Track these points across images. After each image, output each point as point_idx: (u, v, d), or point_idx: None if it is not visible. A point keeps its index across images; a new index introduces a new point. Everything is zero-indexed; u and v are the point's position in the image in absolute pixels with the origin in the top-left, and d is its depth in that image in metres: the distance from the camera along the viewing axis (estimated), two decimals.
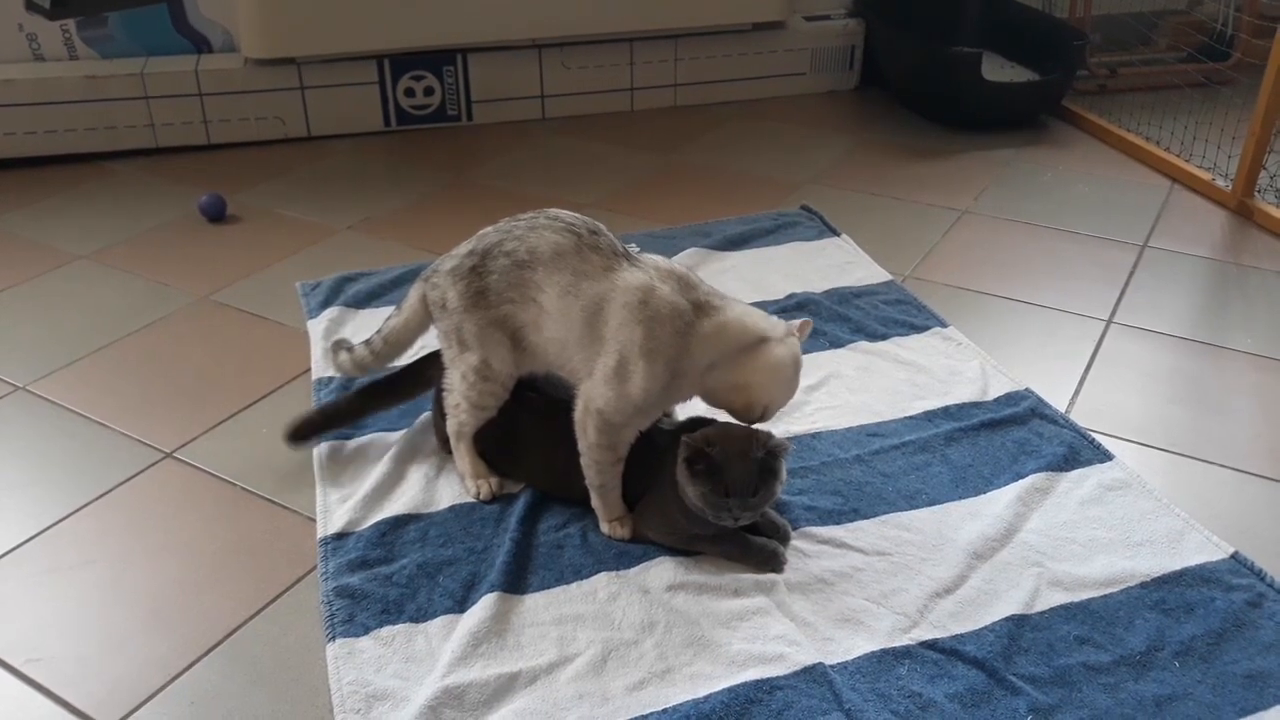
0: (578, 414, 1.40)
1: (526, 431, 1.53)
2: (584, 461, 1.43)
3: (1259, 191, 2.47)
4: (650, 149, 2.87)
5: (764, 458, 1.33)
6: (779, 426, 1.64)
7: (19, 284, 2.19)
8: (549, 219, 1.44)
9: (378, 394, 1.67)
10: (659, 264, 1.41)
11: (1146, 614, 1.34)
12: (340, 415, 1.66)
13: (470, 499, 1.54)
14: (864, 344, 1.92)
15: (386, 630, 1.32)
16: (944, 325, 1.97)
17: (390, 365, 1.67)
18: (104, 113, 2.73)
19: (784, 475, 1.37)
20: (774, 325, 1.37)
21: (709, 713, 1.20)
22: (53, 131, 2.71)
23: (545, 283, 1.40)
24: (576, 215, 1.46)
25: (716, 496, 1.33)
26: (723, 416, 1.43)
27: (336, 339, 1.69)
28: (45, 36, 2.79)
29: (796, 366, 1.39)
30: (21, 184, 2.64)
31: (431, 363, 1.61)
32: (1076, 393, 1.81)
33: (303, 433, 1.63)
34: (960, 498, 1.54)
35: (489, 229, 1.49)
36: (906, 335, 1.94)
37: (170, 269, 2.23)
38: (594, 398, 1.37)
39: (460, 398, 1.52)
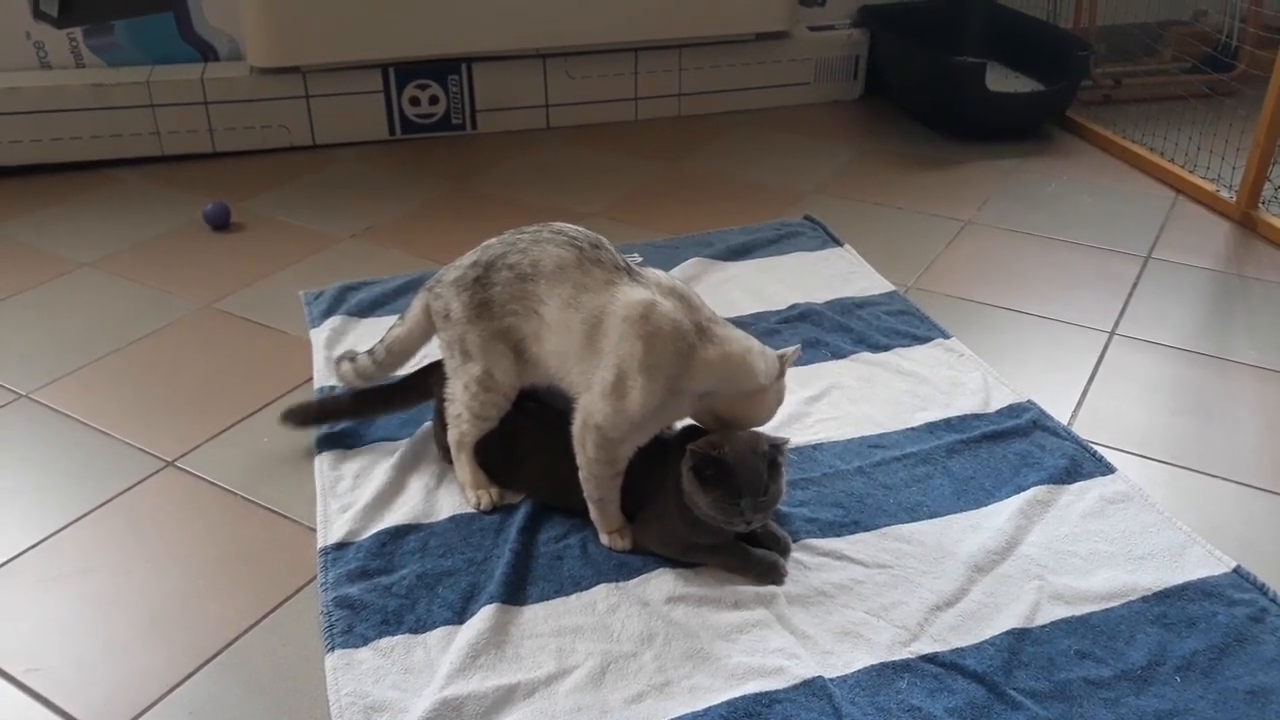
0: (576, 428, 1.40)
1: (527, 442, 1.53)
2: (582, 475, 1.43)
3: (1263, 203, 2.47)
4: (654, 158, 2.87)
5: (769, 452, 1.34)
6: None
7: (23, 291, 2.20)
8: (553, 232, 1.44)
9: (379, 398, 1.67)
10: (661, 280, 1.41)
11: (1148, 628, 1.33)
12: (338, 410, 1.68)
13: (470, 509, 1.54)
14: (866, 355, 1.92)
15: (385, 641, 1.32)
16: (946, 336, 1.97)
17: (393, 375, 1.67)
18: (110, 121, 2.74)
19: (784, 472, 1.38)
20: (770, 368, 1.39)
21: None
22: (59, 139, 2.73)
23: (547, 295, 1.40)
24: (580, 229, 1.46)
25: (729, 501, 1.33)
26: None
27: (341, 352, 1.69)
28: (52, 44, 2.80)
29: (779, 405, 1.45)
30: (27, 191, 2.65)
31: (432, 373, 1.61)
32: (1079, 405, 1.81)
33: (299, 416, 1.66)
34: (961, 510, 1.53)
35: (493, 240, 1.49)
36: (909, 346, 1.94)
37: (174, 277, 2.24)
38: (592, 412, 1.37)
39: (462, 408, 1.52)
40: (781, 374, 1.41)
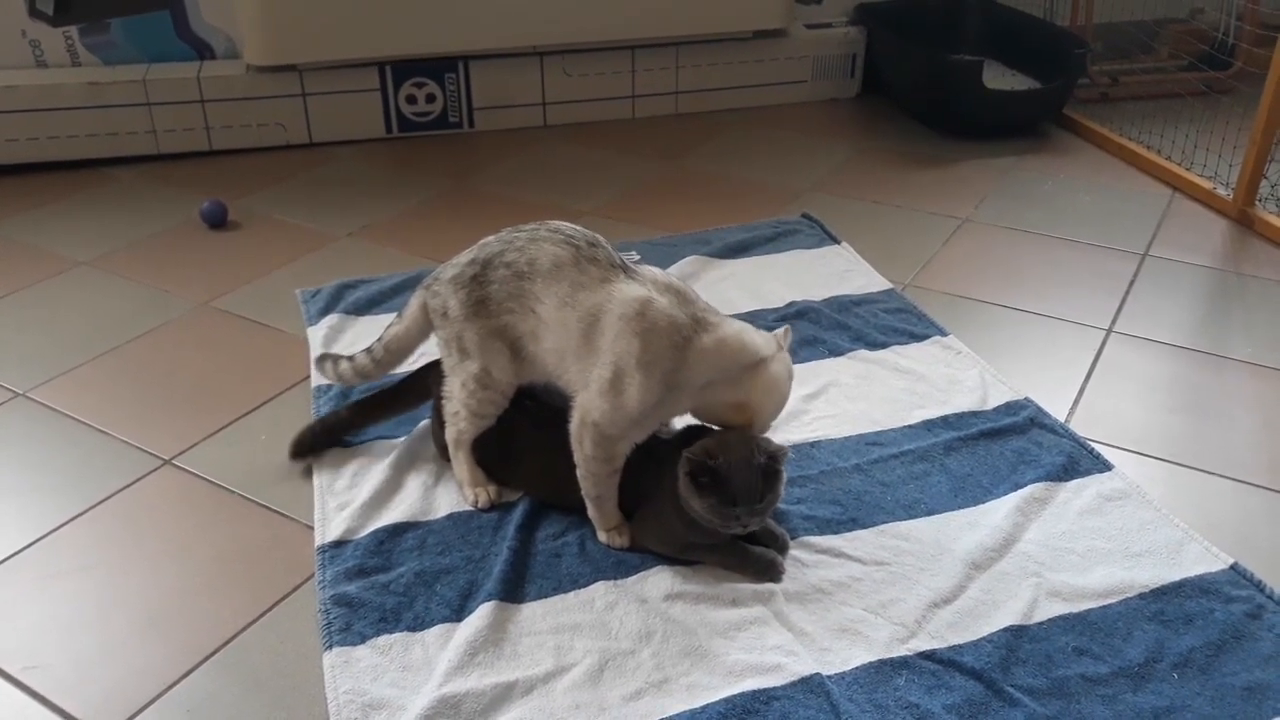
0: (574, 426, 1.40)
1: (525, 440, 1.53)
2: (580, 473, 1.43)
3: (1260, 200, 2.47)
4: (651, 156, 2.87)
5: (765, 462, 1.34)
6: (778, 435, 1.64)
7: (20, 290, 2.19)
8: (550, 231, 1.44)
9: (377, 405, 1.67)
10: (656, 276, 1.41)
11: (1145, 625, 1.33)
12: (340, 426, 1.66)
13: (468, 507, 1.54)
14: (863, 352, 1.92)
15: (383, 639, 1.31)
16: (944, 334, 1.97)
17: (391, 373, 1.67)
18: (106, 119, 2.74)
19: (785, 478, 1.38)
20: (767, 342, 1.39)
21: None
22: (55, 137, 2.72)
23: (543, 294, 1.40)
24: (576, 227, 1.46)
25: (724, 507, 1.33)
26: None
27: (322, 353, 1.69)
28: (48, 43, 2.80)
29: (790, 380, 1.42)
30: (23, 190, 2.65)
31: (429, 373, 1.61)
32: (1076, 402, 1.81)
33: (304, 446, 1.63)
34: (959, 507, 1.54)
35: (491, 238, 1.49)
36: (906, 344, 1.94)
37: (171, 275, 2.24)
38: (590, 410, 1.37)
39: (460, 405, 1.52)
40: (780, 347, 1.41)
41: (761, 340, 1.38)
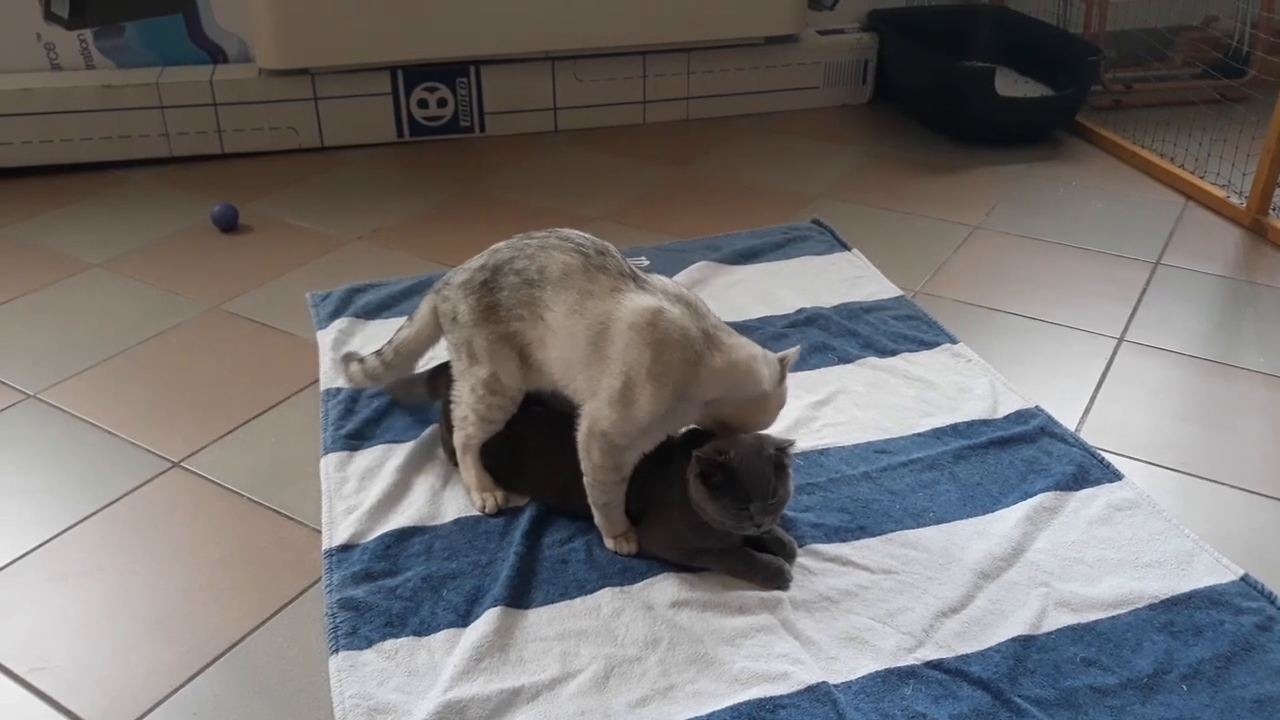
0: (581, 435, 1.40)
1: (532, 445, 1.53)
2: (587, 481, 1.42)
3: (1274, 209, 2.46)
4: (662, 162, 2.87)
5: (775, 454, 1.34)
6: None
7: (32, 291, 2.20)
8: (560, 239, 1.45)
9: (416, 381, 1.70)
10: (667, 286, 1.41)
11: (1155, 636, 1.32)
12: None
13: (475, 512, 1.54)
14: (873, 360, 1.91)
15: (390, 643, 1.31)
16: (954, 342, 1.96)
17: (401, 376, 1.68)
18: (119, 122, 2.75)
19: (792, 474, 1.38)
20: (771, 374, 1.40)
21: None
22: (69, 140, 2.74)
23: (553, 302, 1.40)
24: (586, 235, 1.46)
25: (738, 505, 1.32)
26: None
27: (346, 352, 1.70)
28: (63, 46, 2.82)
29: (781, 407, 1.45)
30: (37, 192, 2.66)
31: (438, 375, 1.62)
32: (1087, 411, 1.80)
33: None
34: (968, 516, 1.53)
35: (502, 244, 1.50)
36: (916, 351, 1.94)
37: (182, 278, 2.24)
38: (599, 419, 1.37)
39: (468, 410, 1.52)
40: (783, 378, 1.42)
41: (767, 373, 1.39)
